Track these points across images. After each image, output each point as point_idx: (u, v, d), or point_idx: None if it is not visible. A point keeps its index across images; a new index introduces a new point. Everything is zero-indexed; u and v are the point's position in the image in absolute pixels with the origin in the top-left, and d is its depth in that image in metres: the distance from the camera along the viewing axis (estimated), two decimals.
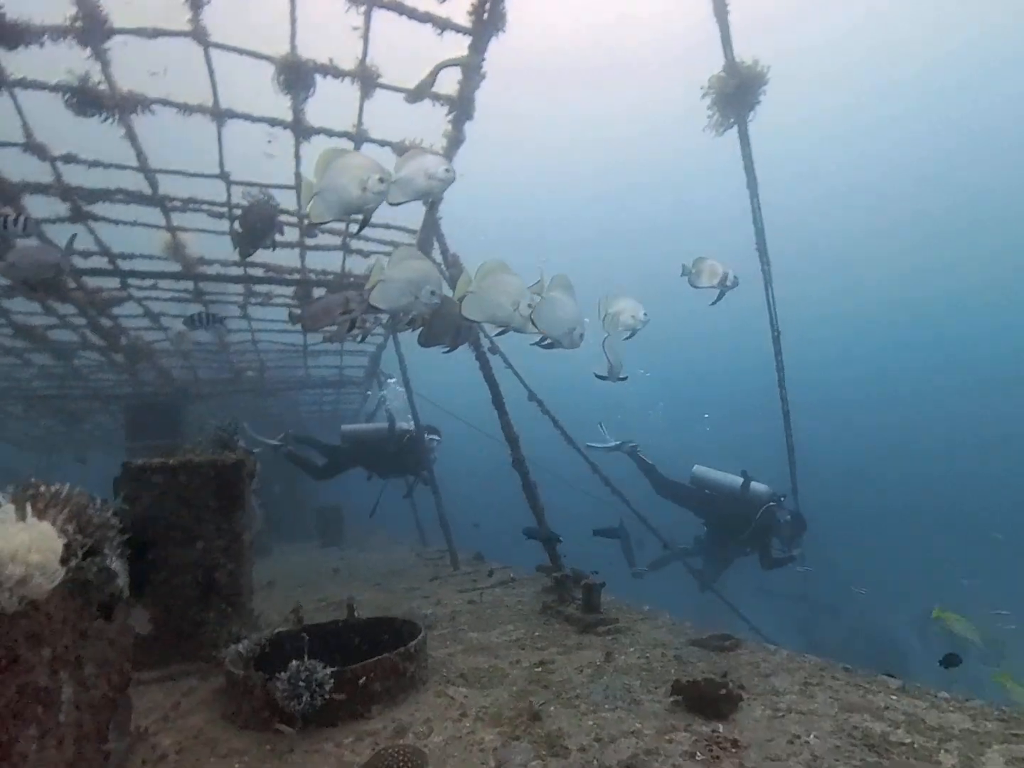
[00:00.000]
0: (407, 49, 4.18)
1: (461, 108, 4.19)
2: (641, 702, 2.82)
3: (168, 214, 5.28)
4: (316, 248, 6.10)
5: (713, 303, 4.22)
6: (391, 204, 4.00)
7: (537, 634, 4.14)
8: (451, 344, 4.72)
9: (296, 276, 6.46)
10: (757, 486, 7.23)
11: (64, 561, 1.77)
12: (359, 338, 5.71)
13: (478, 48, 3.74)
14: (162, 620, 3.79)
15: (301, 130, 4.37)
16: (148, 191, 4.90)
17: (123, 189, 4.83)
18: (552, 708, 2.81)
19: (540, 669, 3.37)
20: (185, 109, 4.12)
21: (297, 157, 4.74)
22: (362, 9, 3.55)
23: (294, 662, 2.69)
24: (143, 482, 3.93)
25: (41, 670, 1.74)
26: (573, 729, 2.57)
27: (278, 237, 5.16)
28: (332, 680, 2.66)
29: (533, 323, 4.09)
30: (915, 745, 2.21)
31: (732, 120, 3.32)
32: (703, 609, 8.45)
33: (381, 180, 3.23)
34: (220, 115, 4.23)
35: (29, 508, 1.71)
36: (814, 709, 2.59)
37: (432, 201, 3.80)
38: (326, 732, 2.61)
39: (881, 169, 30.14)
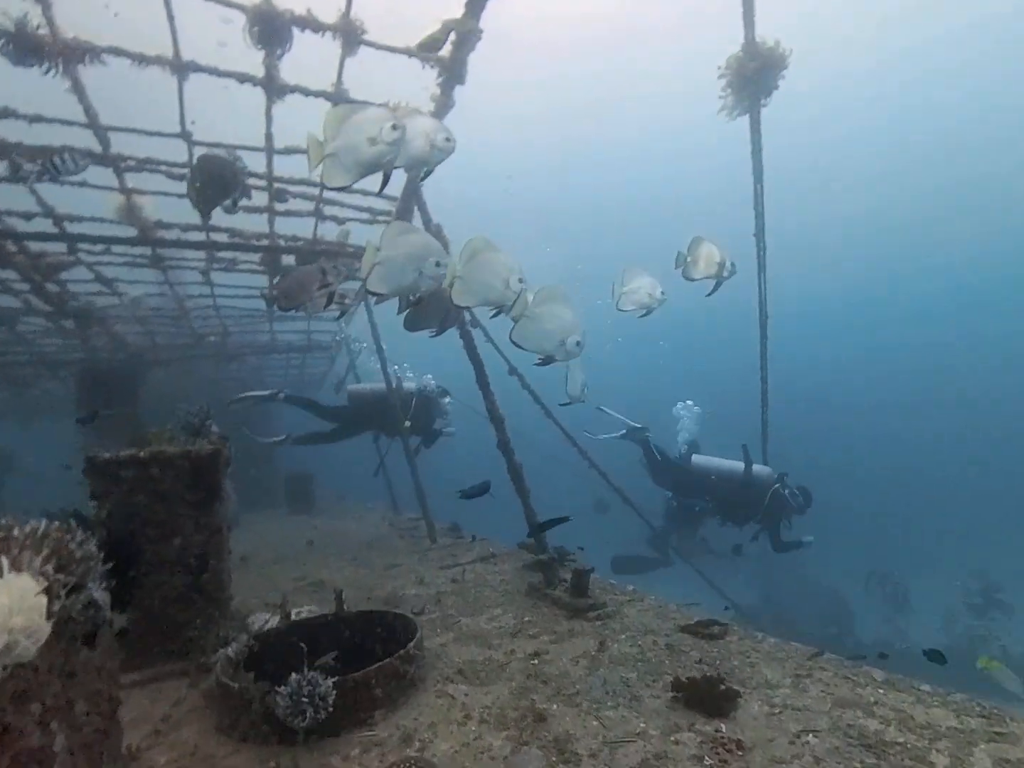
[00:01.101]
0: (391, 9, 3.77)
1: (453, 72, 3.86)
2: (641, 698, 2.88)
3: (121, 175, 4.77)
4: (287, 214, 5.67)
5: (709, 294, 4.03)
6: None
7: (527, 619, 4.17)
8: (439, 328, 4.53)
9: (264, 242, 6.03)
10: (759, 469, 7.37)
11: (48, 612, 1.60)
12: (340, 315, 5.41)
13: (475, 10, 3.41)
14: (141, 620, 3.64)
15: (274, 88, 3.95)
16: (98, 149, 4.40)
17: (70, 147, 4.32)
18: (555, 707, 2.84)
19: (536, 661, 3.40)
20: (141, 60, 3.64)
21: (268, 117, 4.31)
22: None
23: (294, 676, 2.61)
24: (112, 477, 3.67)
25: (32, 730, 1.60)
26: (579, 731, 2.60)
27: (245, 202, 4.76)
28: (335, 691, 2.60)
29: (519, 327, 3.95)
30: (908, 744, 2.32)
31: (746, 105, 3.15)
32: (676, 579, 8.84)
33: (394, 127, 2.98)
34: (181, 68, 3.77)
35: (4, 562, 1.52)
36: (808, 705, 2.70)
37: (425, 171, 3.47)
38: (330, 744, 2.57)
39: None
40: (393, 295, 3.65)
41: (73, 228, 5.18)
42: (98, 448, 4.18)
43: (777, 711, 2.66)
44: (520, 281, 3.55)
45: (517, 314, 3.91)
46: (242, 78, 3.87)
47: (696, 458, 8.10)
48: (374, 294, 3.55)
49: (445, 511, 8.47)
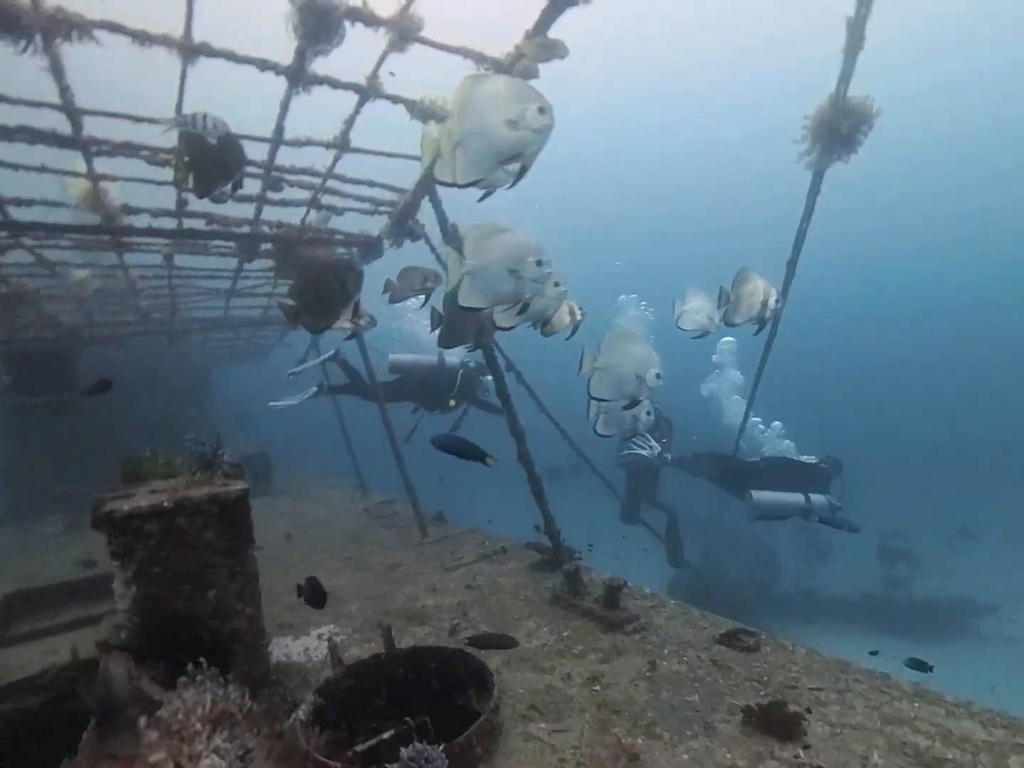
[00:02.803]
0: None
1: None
2: (713, 724, 3.13)
3: (91, 159, 4.04)
4: (282, 204, 5.10)
5: (755, 334, 4.00)
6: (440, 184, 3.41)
7: (565, 634, 4.33)
8: (475, 341, 4.34)
9: (246, 229, 5.42)
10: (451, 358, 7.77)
11: None
12: (346, 336, 5.02)
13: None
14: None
15: (300, 77, 3.44)
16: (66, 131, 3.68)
17: (27, 127, 3.59)
18: (640, 740, 3.03)
19: (598, 687, 3.57)
20: (144, 40, 3.03)
21: (284, 107, 3.78)
22: None
23: (404, 750, 2.58)
24: (135, 533, 3.31)
25: None
26: (674, 767, 2.80)
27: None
28: (446, 759, 2.61)
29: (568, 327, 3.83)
30: (956, 760, 2.72)
31: (835, 158, 3.14)
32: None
33: (541, 110, 2.35)
34: (191, 51, 3.18)
35: None
36: (861, 723, 3.06)
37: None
38: None
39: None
40: (492, 306, 3.18)
41: (23, 215, 4.37)
42: (89, 492, 3.79)
43: (838, 731, 3.00)
44: (539, 263, 3.05)
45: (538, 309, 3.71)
46: (264, 66, 3.34)
47: (393, 357, 8.05)
48: (471, 310, 3.10)
49: (429, 497, 8.43)
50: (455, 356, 7.86)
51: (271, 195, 4.94)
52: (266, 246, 5.93)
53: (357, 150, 4.35)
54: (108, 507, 3.34)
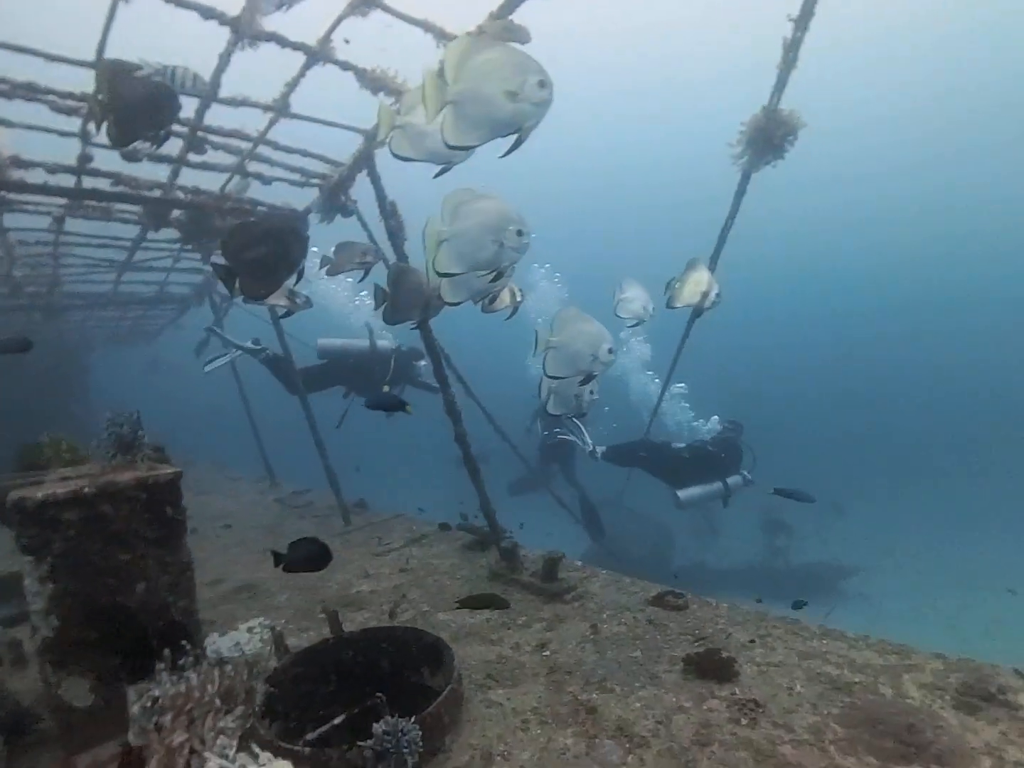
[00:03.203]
0: None
1: None
2: (658, 675, 3.39)
3: None
4: (203, 168, 4.67)
5: (690, 320, 4.21)
6: (395, 155, 3.32)
7: (510, 609, 4.43)
8: (420, 318, 4.29)
9: (157, 193, 4.93)
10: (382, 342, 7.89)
11: None
12: (282, 313, 4.70)
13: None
14: (107, 685, 3.07)
15: (246, 30, 3.21)
16: None
17: None
18: (594, 695, 3.21)
19: (547, 653, 3.71)
20: None
21: (224, 60, 3.48)
22: None
23: (377, 726, 2.54)
24: (50, 523, 2.93)
25: None
26: (630, 714, 3.01)
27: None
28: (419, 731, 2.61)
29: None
30: (863, 682, 3.18)
31: (764, 163, 3.50)
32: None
33: (542, 84, 2.28)
34: None
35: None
36: (783, 661, 3.46)
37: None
38: None
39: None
40: (470, 271, 3.11)
41: None
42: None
43: (764, 669, 3.38)
44: (520, 233, 3.03)
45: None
46: (208, 14, 3.07)
47: (322, 341, 7.91)
48: (445, 275, 3.04)
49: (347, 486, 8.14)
50: (386, 340, 7.70)
51: (192, 157, 4.53)
52: (177, 214, 5.43)
53: (297, 116, 4.11)
54: (16, 495, 2.94)
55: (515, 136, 2.34)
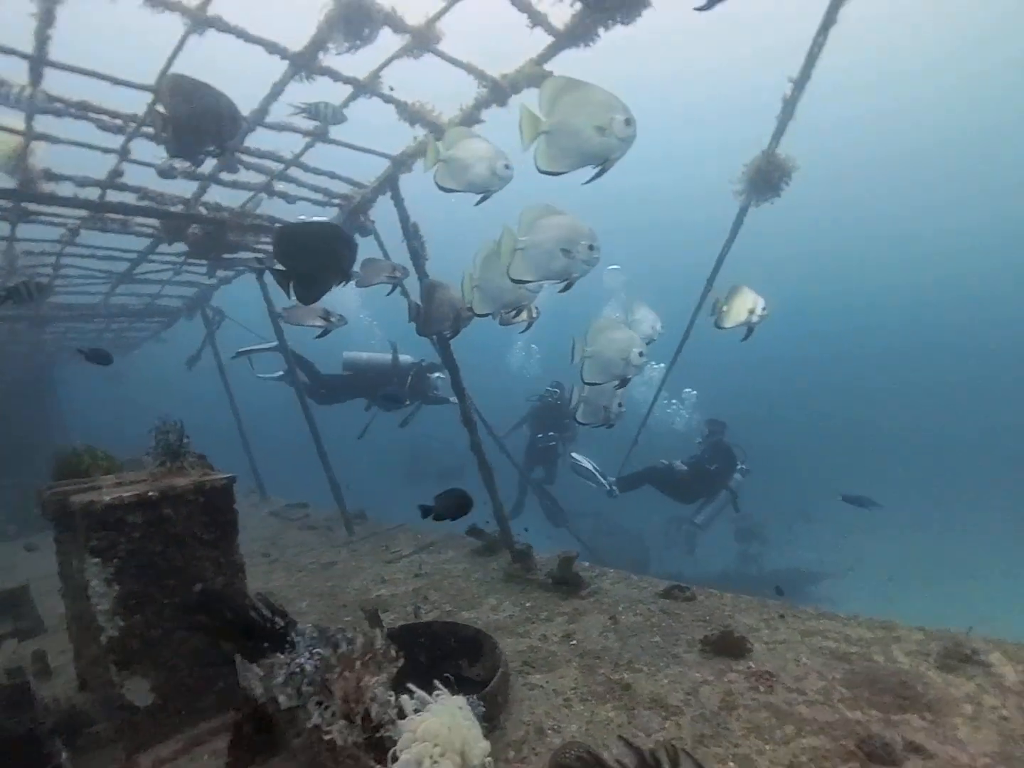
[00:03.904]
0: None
1: (500, 97, 3.89)
2: (679, 655, 3.73)
3: (34, 116, 3.61)
4: (234, 186, 4.86)
5: (744, 339, 4.20)
6: (439, 187, 3.63)
7: (528, 605, 4.71)
8: (452, 329, 4.56)
9: (179, 208, 5.07)
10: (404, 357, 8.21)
11: None
12: (318, 333, 4.90)
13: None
14: (167, 683, 3.18)
15: (304, 64, 3.48)
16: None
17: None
18: (625, 675, 3.52)
19: (574, 641, 4.01)
20: (155, 3, 2.91)
21: (276, 90, 3.74)
22: None
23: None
24: (116, 526, 3.06)
25: None
26: (660, 689, 3.33)
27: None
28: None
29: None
30: (859, 652, 3.60)
31: (766, 199, 3.98)
32: None
33: (628, 122, 2.58)
34: (201, 22, 3.10)
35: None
36: (788, 639, 3.86)
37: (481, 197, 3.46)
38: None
39: None
40: (540, 280, 3.35)
41: None
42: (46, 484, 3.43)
43: (772, 647, 3.77)
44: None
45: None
46: (273, 48, 3.35)
47: (348, 355, 8.22)
48: (519, 282, 3.29)
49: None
50: (408, 357, 7.95)
51: (224, 176, 4.72)
52: (193, 228, 5.57)
53: (335, 142, 4.39)
54: (82, 499, 3.06)
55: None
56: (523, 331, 4.91)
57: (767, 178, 3.83)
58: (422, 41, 3.35)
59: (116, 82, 3.38)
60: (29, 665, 4.13)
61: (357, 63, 3.79)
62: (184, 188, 4.97)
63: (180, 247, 6.13)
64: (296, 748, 2.13)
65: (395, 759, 1.53)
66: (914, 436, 28.88)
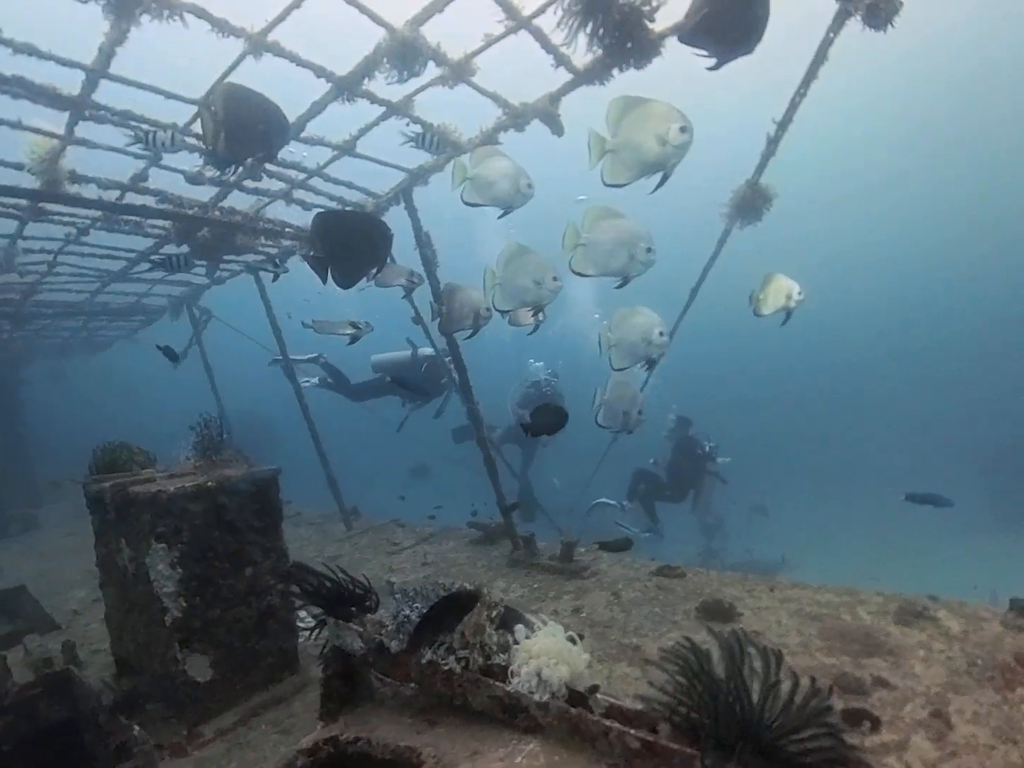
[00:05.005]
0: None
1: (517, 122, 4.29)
2: (678, 622, 4.24)
3: (77, 122, 3.75)
4: (255, 193, 5.06)
5: (783, 324, 4.28)
6: (465, 202, 4.00)
7: (535, 586, 5.13)
8: (473, 327, 4.84)
9: (193, 211, 5.23)
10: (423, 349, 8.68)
11: None
12: (348, 341, 5.15)
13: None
14: (223, 659, 3.43)
15: (348, 86, 3.78)
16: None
17: (24, 80, 3.34)
18: (633, 639, 3.99)
19: (584, 615, 4.46)
20: (222, 28, 3.17)
21: (316, 108, 4.01)
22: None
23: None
24: (180, 514, 3.29)
25: None
26: (660, 652, 3.81)
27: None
28: None
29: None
30: (829, 613, 4.19)
31: (747, 223, 4.50)
32: None
33: (683, 130, 2.84)
34: (260, 46, 3.36)
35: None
36: (769, 605, 4.42)
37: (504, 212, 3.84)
38: None
39: None
40: (598, 275, 3.55)
41: None
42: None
43: (756, 612, 4.32)
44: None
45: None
46: (320, 72, 3.64)
47: (375, 357, 8.63)
48: (580, 274, 3.54)
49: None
50: (428, 349, 8.15)
51: (247, 183, 4.92)
52: (204, 231, 5.72)
53: (360, 155, 4.68)
54: (148, 488, 3.29)
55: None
56: (530, 333, 5.28)
57: (750, 204, 4.38)
58: (460, 73, 3.72)
59: (168, 96, 3.59)
60: (59, 656, 4.24)
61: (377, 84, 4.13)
62: (201, 192, 5.13)
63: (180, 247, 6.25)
64: (380, 697, 2.48)
65: (513, 676, 1.91)
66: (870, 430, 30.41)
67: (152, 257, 5.68)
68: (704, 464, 9.44)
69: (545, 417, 3.92)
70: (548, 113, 4.18)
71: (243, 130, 3.40)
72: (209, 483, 3.43)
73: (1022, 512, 16.19)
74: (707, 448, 9.48)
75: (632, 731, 1.54)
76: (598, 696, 1.79)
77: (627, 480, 9.89)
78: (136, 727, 3.01)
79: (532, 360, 11.73)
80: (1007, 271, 35.80)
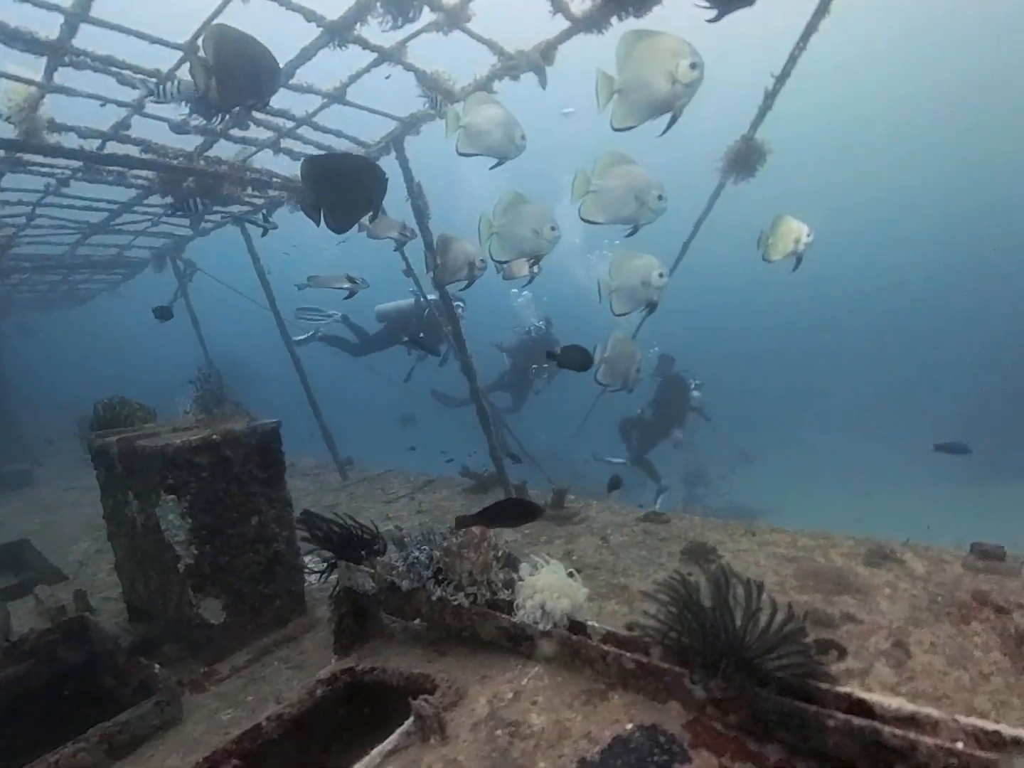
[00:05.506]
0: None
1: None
2: (663, 563, 4.50)
3: (56, 69, 3.59)
4: (243, 142, 4.91)
5: (794, 269, 4.13)
6: (460, 153, 3.93)
7: (528, 532, 5.37)
8: (468, 278, 4.81)
9: (178, 160, 5.09)
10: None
11: None
12: (345, 295, 5.10)
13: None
14: (235, 603, 3.62)
15: (339, 33, 3.65)
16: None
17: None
18: (622, 580, 4.25)
19: (575, 557, 4.71)
20: None
21: (305, 55, 3.88)
22: None
23: None
24: (188, 465, 3.39)
25: None
26: (651, 588, 4.07)
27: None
28: None
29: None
30: (804, 555, 4.48)
31: (740, 178, 4.48)
32: None
33: (693, 66, 2.59)
34: None
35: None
36: (748, 548, 4.70)
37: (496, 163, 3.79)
38: None
39: None
40: (609, 223, 3.46)
41: None
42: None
43: (736, 554, 4.60)
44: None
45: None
46: (311, 16, 3.50)
47: (379, 307, 8.62)
48: (589, 222, 3.45)
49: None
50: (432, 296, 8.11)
51: (234, 132, 4.77)
52: (189, 182, 5.57)
53: (350, 103, 4.54)
54: (156, 442, 3.37)
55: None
56: (524, 286, 5.32)
57: (744, 159, 4.37)
58: (454, 19, 3.60)
59: (152, 40, 3.45)
60: (71, 604, 4.42)
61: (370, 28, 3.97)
62: (186, 141, 4.98)
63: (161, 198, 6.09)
64: (390, 633, 2.67)
65: (518, 608, 2.09)
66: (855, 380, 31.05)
67: (170, 202, 5.53)
68: (688, 400, 9.74)
69: (573, 354, 4.01)
70: (538, 65, 4.08)
71: (234, 76, 3.26)
72: (214, 436, 3.52)
73: (1002, 463, 16.89)
74: (692, 385, 9.76)
75: (627, 653, 1.72)
76: (595, 624, 1.97)
77: (616, 431, 10.13)
78: (156, 665, 3.21)
79: (515, 291, 11.57)
80: (995, 228, 35.98)
